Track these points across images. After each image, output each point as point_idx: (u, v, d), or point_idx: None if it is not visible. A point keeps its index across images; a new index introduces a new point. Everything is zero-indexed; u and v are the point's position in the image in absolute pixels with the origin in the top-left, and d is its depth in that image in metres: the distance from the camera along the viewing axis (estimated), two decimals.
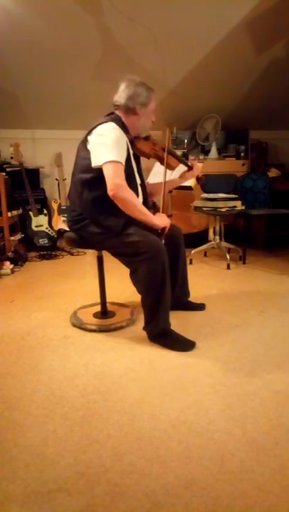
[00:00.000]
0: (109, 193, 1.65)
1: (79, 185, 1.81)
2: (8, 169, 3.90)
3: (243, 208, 3.30)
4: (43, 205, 4.05)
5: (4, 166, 3.92)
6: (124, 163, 1.70)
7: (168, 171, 1.93)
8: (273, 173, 4.09)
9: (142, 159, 1.96)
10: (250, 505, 0.92)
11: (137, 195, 1.85)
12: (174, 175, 2.11)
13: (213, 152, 4.05)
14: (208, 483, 0.98)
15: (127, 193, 1.67)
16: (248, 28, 2.98)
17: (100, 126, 1.73)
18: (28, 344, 1.81)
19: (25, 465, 1.06)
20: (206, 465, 1.04)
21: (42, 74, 3.40)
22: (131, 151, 1.82)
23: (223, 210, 3.21)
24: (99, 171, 1.70)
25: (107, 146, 1.68)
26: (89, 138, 1.75)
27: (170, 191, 3.44)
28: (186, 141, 4.18)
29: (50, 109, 3.93)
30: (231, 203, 3.25)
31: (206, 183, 3.60)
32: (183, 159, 2.03)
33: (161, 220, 1.76)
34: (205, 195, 3.38)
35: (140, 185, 1.91)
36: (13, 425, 1.22)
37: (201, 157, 4.04)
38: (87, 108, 3.92)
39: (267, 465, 1.04)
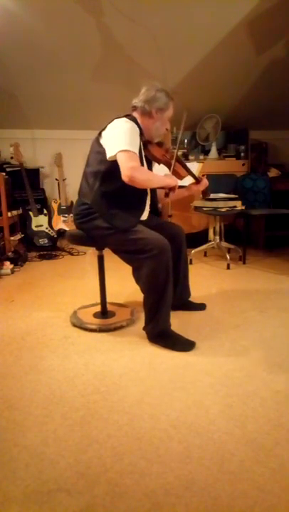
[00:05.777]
0: (125, 179, 1.63)
1: (91, 178, 1.81)
2: (8, 169, 3.91)
3: (243, 208, 3.30)
4: (43, 205, 4.05)
5: (4, 166, 3.93)
6: (137, 153, 1.70)
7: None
8: (273, 173, 4.09)
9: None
10: (250, 505, 0.92)
11: (146, 195, 1.88)
12: (180, 183, 2.11)
13: (213, 152, 4.05)
14: (208, 483, 0.98)
15: (142, 174, 1.65)
16: (248, 28, 2.98)
17: (114, 120, 1.75)
18: (28, 344, 1.81)
19: (25, 465, 1.06)
20: (206, 465, 1.04)
21: (42, 74, 3.40)
22: (143, 153, 1.83)
23: (223, 210, 3.21)
24: (112, 164, 1.70)
25: (120, 136, 1.68)
26: (103, 133, 1.77)
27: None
28: (186, 141, 4.18)
29: (50, 109, 3.93)
30: (231, 203, 3.26)
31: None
32: (192, 171, 2.01)
33: (171, 178, 1.80)
34: None
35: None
36: (13, 425, 1.22)
37: (201, 157, 4.04)
38: (87, 108, 3.93)
39: (267, 465, 1.04)
